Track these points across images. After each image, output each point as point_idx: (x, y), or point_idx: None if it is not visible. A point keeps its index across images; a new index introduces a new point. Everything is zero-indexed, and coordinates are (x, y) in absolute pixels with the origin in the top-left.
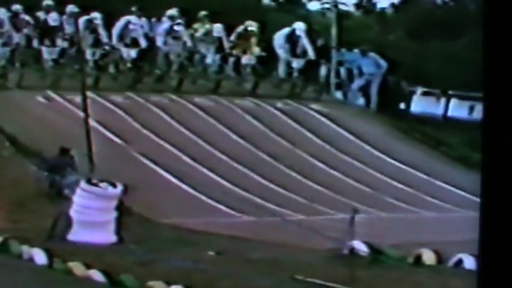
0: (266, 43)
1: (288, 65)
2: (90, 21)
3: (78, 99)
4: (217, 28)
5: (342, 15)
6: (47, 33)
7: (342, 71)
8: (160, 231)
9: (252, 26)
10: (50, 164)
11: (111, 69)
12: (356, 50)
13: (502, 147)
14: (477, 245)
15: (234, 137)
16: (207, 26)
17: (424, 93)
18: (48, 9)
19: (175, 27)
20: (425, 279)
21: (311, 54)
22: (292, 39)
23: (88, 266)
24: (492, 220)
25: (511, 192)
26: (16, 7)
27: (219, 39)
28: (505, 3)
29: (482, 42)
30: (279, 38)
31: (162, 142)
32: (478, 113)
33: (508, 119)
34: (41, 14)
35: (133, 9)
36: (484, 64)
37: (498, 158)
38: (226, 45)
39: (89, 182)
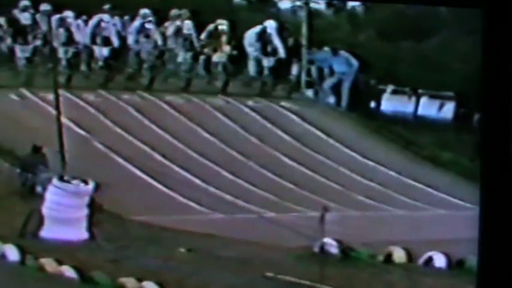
0: (237, 41)
1: (259, 63)
2: (62, 20)
3: (50, 97)
4: (187, 25)
5: (312, 14)
6: (19, 31)
7: (313, 69)
8: (131, 228)
9: (223, 24)
10: (22, 161)
11: (83, 67)
12: (327, 49)
13: (499, 152)
14: (447, 243)
15: (205, 134)
16: (178, 23)
17: (394, 92)
18: (24, 9)
19: (146, 26)
20: (396, 278)
21: (282, 52)
22: (263, 37)
23: (60, 263)
24: (491, 221)
25: (509, 195)
26: None
27: (190, 36)
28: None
29: (482, 54)
30: (249, 37)
31: (133, 140)
32: (448, 112)
33: (505, 124)
34: (14, 13)
35: (106, 7)
36: (482, 70)
37: (496, 163)
38: (197, 43)
39: (61, 179)
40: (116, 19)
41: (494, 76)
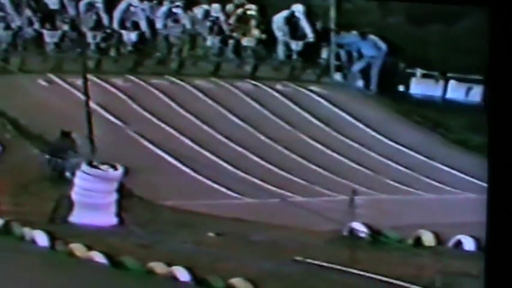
0: (265, 26)
1: (288, 47)
2: (91, 4)
3: (79, 82)
4: (215, 8)
5: None
6: (47, 16)
7: (342, 53)
8: (161, 213)
9: (252, 9)
10: (51, 147)
11: (112, 52)
12: (355, 32)
13: (507, 133)
14: (476, 226)
15: (234, 119)
16: (206, 7)
17: (423, 76)
18: None
19: (174, 10)
20: (425, 261)
21: (310, 36)
22: (291, 21)
23: (89, 248)
24: (499, 205)
25: None
26: None
27: (217, 19)
28: None
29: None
30: (278, 21)
31: (162, 124)
32: (476, 96)
33: None
34: None
35: None
36: (489, 54)
37: (504, 144)
38: (225, 26)
39: (90, 164)
40: (144, 3)
41: (501, 77)
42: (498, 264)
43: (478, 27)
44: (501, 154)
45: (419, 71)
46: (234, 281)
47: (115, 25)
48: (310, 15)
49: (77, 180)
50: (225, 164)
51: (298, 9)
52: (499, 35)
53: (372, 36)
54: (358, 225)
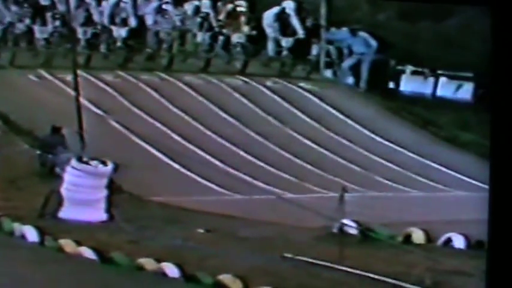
0: (256, 22)
1: (278, 43)
2: (81, 0)
3: (69, 77)
4: (205, 4)
5: None
6: (38, 12)
7: (332, 50)
8: (150, 209)
9: (242, 5)
10: (41, 142)
11: (102, 48)
12: (345, 29)
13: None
14: (466, 224)
15: (224, 115)
16: (196, 3)
17: (414, 73)
18: None
19: (164, 6)
20: (415, 258)
21: (300, 33)
22: (281, 18)
23: (79, 244)
24: (501, 203)
25: None
26: None
27: (207, 15)
28: None
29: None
30: (268, 17)
31: (152, 120)
32: (466, 93)
33: None
34: None
35: None
36: (493, 53)
37: (507, 144)
38: (215, 23)
39: (79, 160)
40: None
41: (504, 79)
42: (500, 262)
43: (469, 25)
44: (503, 153)
45: (409, 68)
46: (223, 277)
47: (105, 21)
48: (300, 11)
49: (66, 176)
50: (214, 160)
51: (288, 5)
52: (500, 34)
53: (362, 33)
54: (348, 222)
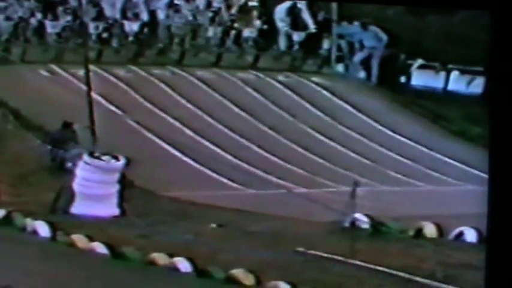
0: (267, 16)
1: (289, 38)
2: None
3: (81, 72)
4: None
5: None
6: (49, 7)
7: (343, 44)
8: (162, 204)
9: (253, 0)
10: (52, 137)
11: (114, 42)
12: (356, 23)
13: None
14: (477, 218)
15: (236, 109)
16: None
17: (424, 67)
18: None
19: (176, 1)
20: (426, 252)
21: (312, 27)
22: (293, 12)
23: (91, 239)
24: (500, 196)
25: None
26: None
27: (219, 10)
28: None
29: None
30: (280, 11)
31: (164, 115)
32: (477, 87)
33: None
34: None
35: None
36: (490, 45)
37: (505, 135)
38: (226, 17)
39: (91, 155)
40: None
41: (503, 80)
42: (500, 255)
43: (479, 18)
44: (502, 147)
45: (420, 62)
46: (235, 271)
47: (116, 15)
48: (311, 6)
49: (78, 171)
50: (226, 155)
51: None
52: (500, 37)
53: (372, 27)
54: (359, 216)
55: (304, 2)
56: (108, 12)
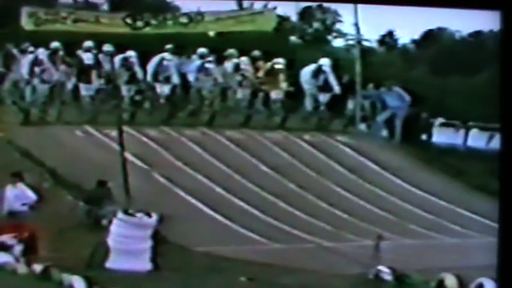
0: (293, 78)
1: (315, 99)
2: (125, 59)
3: (114, 133)
4: (244, 61)
5: (365, 52)
6: (83, 71)
7: (367, 104)
8: (194, 258)
9: (279, 63)
10: (87, 195)
11: (147, 104)
12: (382, 89)
13: None
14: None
15: (264, 168)
16: (235, 60)
17: (445, 125)
18: (88, 50)
19: (206, 65)
20: None
21: (337, 89)
22: (318, 74)
23: None
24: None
25: None
26: (55, 45)
27: (247, 73)
28: None
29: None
30: (305, 74)
31: (195, 174)
32: (496, 143)
33: None
34: (78, 53)
35: (168, 47)
36: (501, 98)
37: None
38: (253, 78)
39: (125, 212)
40: (176, 58)
41: None
42: None
43: (496, 79)
44: None
45: (440, 120)
46: None
47: (148, 78)
48: (336, 68)
49: (113, 228)
50: (255, 211)
51: (325, 63)
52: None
53: (396, 88)
54: (383, 269)
55: (328, 65)
56: (140, 75)
